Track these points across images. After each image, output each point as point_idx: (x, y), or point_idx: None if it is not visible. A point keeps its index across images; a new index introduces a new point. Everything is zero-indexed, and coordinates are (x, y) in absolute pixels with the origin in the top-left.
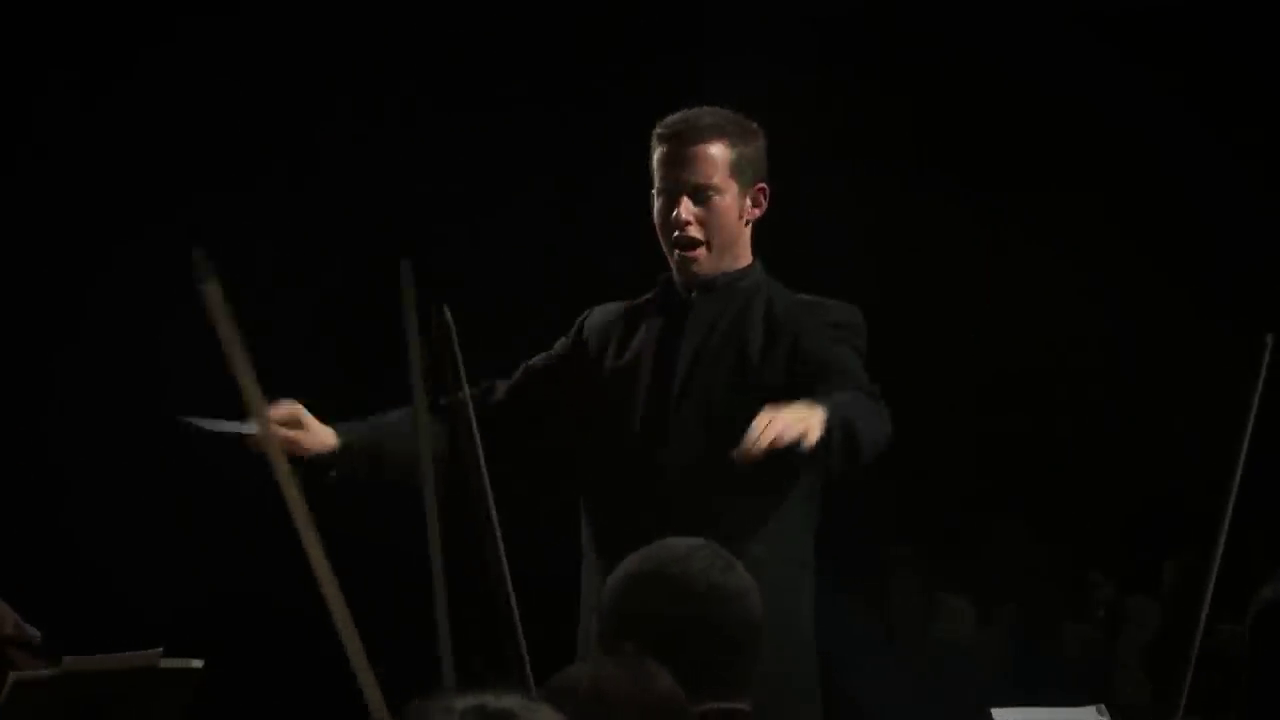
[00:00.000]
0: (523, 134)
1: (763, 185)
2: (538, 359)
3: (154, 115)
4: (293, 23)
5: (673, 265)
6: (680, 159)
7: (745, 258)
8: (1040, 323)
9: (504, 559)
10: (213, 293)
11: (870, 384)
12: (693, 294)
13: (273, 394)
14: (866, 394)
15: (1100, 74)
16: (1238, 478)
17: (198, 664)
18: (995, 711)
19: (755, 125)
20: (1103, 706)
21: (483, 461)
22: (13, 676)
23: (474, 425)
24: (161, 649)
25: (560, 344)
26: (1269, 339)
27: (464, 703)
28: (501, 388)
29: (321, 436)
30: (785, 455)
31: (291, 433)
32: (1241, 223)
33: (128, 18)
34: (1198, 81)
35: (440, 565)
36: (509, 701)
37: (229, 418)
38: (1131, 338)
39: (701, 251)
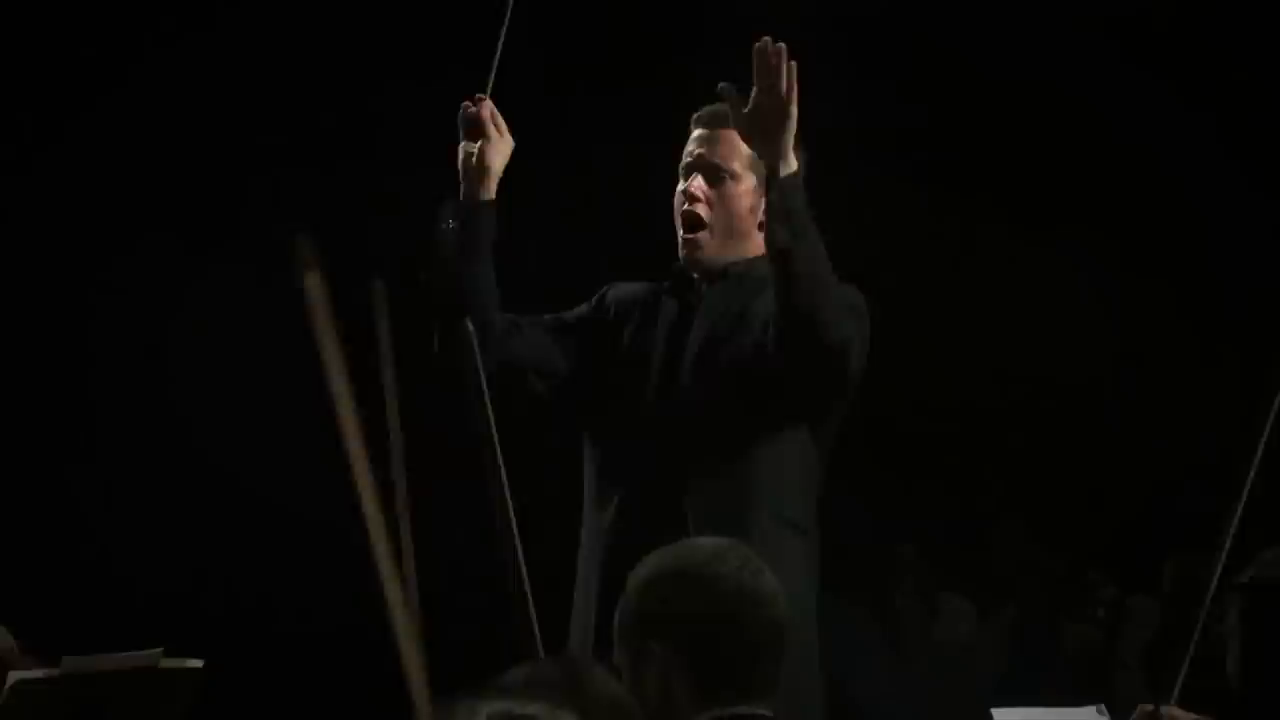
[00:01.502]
0: (528, 137)
1: None
2: (564, 314)
3: (155, 119)
4: (295, 21)
5: (679, 248)
6: (704, 139)
7: (756, 251)
8: (1041, 323)
9: (523, 564)
10: (313, 284)
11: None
12: (704, 284)
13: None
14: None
15: (1103, 77)
16: (1250, 482)
17: (198, 664)
18: (995, 711)
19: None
20: (1103, 706)
21: (503, 471)
22: (13, 676)
23: (494, 434)
24: (161, 649)
25: (580, 308)
26: None
27: (490, 707)
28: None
29: (496, 167)
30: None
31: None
32: (1242, 224)
33: (132, 19)
34: (1202, 84)
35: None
36: (534, 709)
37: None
38: (1132, 338)
39: (704, 235)
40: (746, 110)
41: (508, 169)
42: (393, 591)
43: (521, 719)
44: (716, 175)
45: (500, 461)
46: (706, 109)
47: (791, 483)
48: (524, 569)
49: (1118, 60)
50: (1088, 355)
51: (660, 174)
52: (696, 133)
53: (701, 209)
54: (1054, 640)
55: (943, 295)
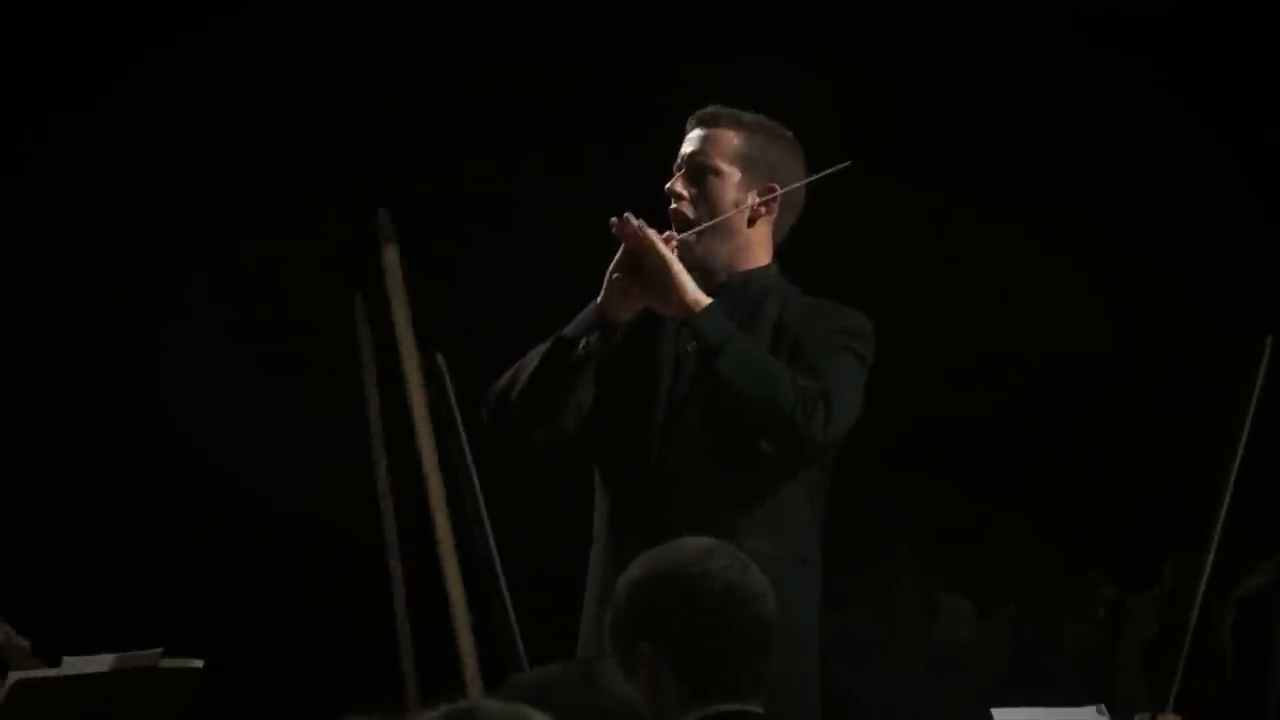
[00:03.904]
0: (527, 135)
1: (774, 186)
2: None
3: (150, 119)
4: (294, 24)
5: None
6: (694, 138)
7: (758, 258)
8: (1041, 323)
9: (498, 565)
10: (390, 255)
11: (831, 391)
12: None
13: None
14: (804, 386)
15: (1099, 75)
16: (1232, 478)
17: (198, 664)
18: (995, 711)
19: (789, 134)
20: (1103, 706)
21: (476, 483)
22: (13, 676)
23: (467, 455)
24: (161, 649)
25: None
26: (1269, 341)
27: (433, 713)
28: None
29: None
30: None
31: None
32: (1242, 224)
33: (130, 18)
34: (1198, 82)
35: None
36: (493, 707)
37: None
38: (1131, 338)
39: (690, 236)
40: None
41: (509, 174)
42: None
43: (459, 713)
44: (700, 172)
45: (478, 493)
46: (703, 109)
47: (794, 508)
48: (507, 596)
49: (1114, 55)
50: (1088, 354)
51: (659, 177)
52: (689, 133)
53: (685, 207)
54: (1054, 640)
55: (941, 294)
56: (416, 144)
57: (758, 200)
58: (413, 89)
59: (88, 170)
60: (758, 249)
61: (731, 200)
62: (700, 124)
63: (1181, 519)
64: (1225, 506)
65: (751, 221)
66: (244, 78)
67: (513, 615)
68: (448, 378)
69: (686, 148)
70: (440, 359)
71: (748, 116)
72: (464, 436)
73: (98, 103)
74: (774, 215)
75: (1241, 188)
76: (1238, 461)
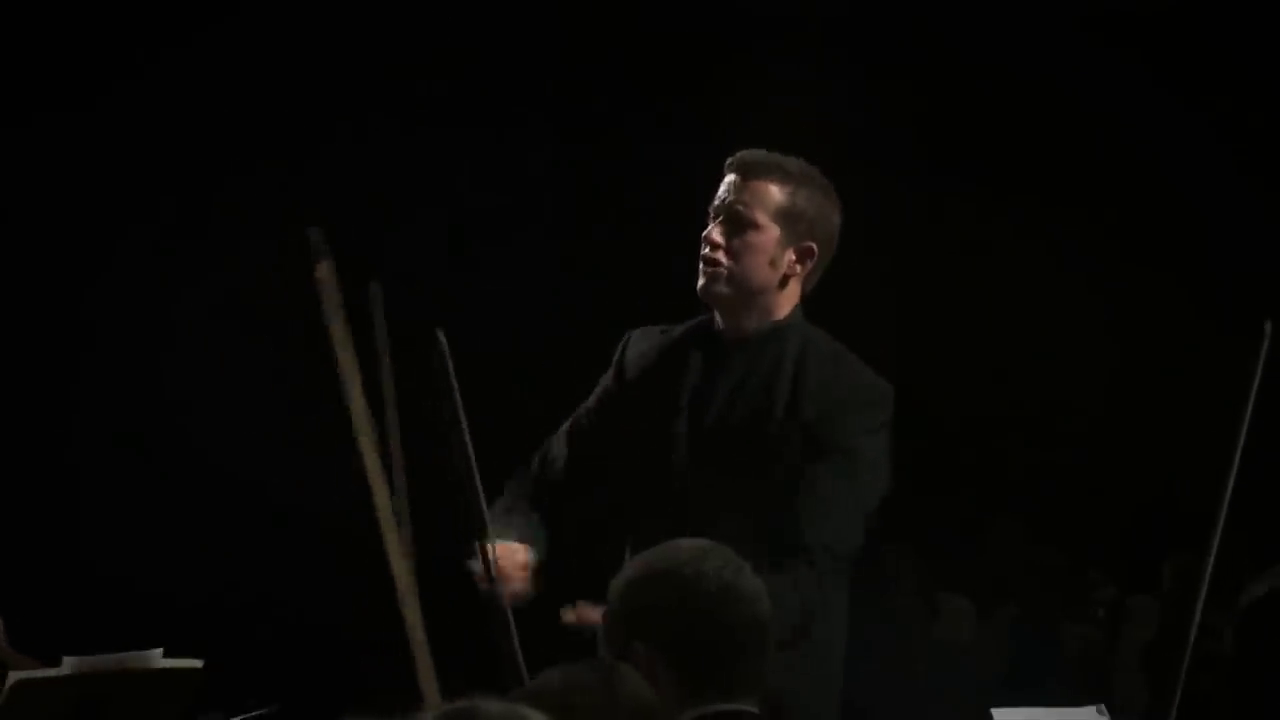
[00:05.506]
0: (536, 153)
1: (812, 246)
2: (581, 413)
3: (154, 113)
4: (295, 35)
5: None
6: (733, 186)
7: (783, 310)
8: (1040, 323)
9: (496, 571)
10: (324, 273)
11: (853, 493)
12: (725, 345)
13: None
14: (808, 553)
15: (1099, 75)
16: (1234, 471)
17: (198, 664)
18: (995, 711)
19: (831, 188)
20: (1103, 706)
21: (478, 482)
22: (13, 676)
23: (468, 447)
24: (161, 649)
25: (604, 380)
26: (1268, 326)
27: (439, 711)
28: (558, 459)
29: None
30: None
31: (520, 584)
32: (1241, 223)
33: (127, 20)
34: (1198, 82)
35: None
36: (494, 708)
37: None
38: (1131, 338)
39: (722, 270)
40: None
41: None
42: (403, 579)
43: (456, 713)
44: (739, 223)
45: (478, 486)
46: (740, 154)
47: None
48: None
49: (1116, 55)
50: (1088, 354)
51: (683, 189)
52: (727, 178)
53: (721, 255)
54: (1054, 640)
55: (941, 294)
56: (419, 161)
57: (793, 259)
58: (411, 103)
59: (87, 171)
60: (785, 303)
61: (768, 256)
62: (743, 171)
63: (1181, 519)
64: (1225, 509)
65: (784, 280)
66: (242, 86)
67: (513, 625)
68: (449, 355)
69: (727, 195)
70: (441, 335)
71: (792, 165)
72: (466, 431)
73: (101, 102)
74: (806, 272)
75: (1241, 187)
76: (1237, 457)
